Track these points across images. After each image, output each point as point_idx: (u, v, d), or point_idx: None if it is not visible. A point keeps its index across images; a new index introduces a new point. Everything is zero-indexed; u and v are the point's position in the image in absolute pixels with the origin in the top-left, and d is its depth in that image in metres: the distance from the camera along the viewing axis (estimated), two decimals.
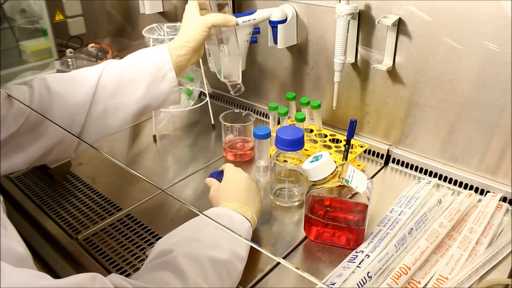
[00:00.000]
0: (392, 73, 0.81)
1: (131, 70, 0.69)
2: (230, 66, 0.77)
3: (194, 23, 0.70)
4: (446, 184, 0.80)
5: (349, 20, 0.77)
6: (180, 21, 0.73)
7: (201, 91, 1.12)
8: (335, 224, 0.65)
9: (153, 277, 0.49)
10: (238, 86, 0.79)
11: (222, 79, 0.78)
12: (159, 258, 0.52)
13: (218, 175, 0.73)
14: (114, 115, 0.68)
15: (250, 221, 0.63)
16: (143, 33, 0.94)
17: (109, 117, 0.68)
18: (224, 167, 0.75)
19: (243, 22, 0.86)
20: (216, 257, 0.53)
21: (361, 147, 0.85)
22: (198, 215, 0.59)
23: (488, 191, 0.76)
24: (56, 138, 0.65)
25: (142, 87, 0.68)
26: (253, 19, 0.87)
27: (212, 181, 0.73)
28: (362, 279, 0.57)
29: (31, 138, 0.63)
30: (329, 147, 0.87)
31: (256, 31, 0.91)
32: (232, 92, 0.81)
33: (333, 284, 0.57)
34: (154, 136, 1.01)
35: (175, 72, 0.70)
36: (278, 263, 0.64)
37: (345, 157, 0.78)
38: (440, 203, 0.72)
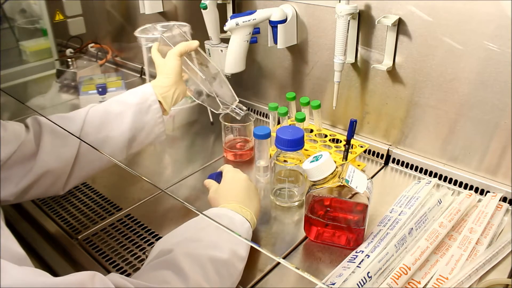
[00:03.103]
0: (392, 73, 0.81)
1: (116, 104, 0.73)
2: (220, 90, 0.78)
3: (166, 58, 0.76)
4: (446, 184, 0.80)
5: (349, 20, 0.77)
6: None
7: None
8: (335, 224, 0.65)
9: (153, 276, 0.49)
10: (239, 106, 0.81)
11: (224, 111, 0.81)
12: (159, 258, 0.52)
13: (217, 177, 0.73)
14: (102, 148, 0.70)
15: (250, 222, 0.63)
16: (135, 33, 0.94)
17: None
18: (222, 169, 0.75)
19: (243, 22, 0.86)
20: (216, 257, 0.53)
21: (361, 147, 0.85)
22: (198, 215, 0.59)
23: (488, 191, 0.76)
24: (45, 168, 0.65)
25: (128, 119, 0.72)
26: (253, 19, 0.87)
27: (211, 183, 0.73)
28: (362, 279, 0.57)
29: (20, 170, 0.64)
30: (329, 147, 0.87)
31: (256, 31, 0.91)
32: (238, 117, 0.82)
33: (333, 284, 0.57)
34: None
35: (162, 105, 0.75)
36: (278, 263, 0.64)
37: (345, 157, 0.78)
38: (440, 203, 0.72)
